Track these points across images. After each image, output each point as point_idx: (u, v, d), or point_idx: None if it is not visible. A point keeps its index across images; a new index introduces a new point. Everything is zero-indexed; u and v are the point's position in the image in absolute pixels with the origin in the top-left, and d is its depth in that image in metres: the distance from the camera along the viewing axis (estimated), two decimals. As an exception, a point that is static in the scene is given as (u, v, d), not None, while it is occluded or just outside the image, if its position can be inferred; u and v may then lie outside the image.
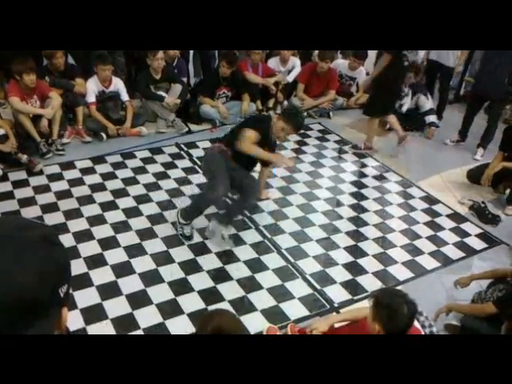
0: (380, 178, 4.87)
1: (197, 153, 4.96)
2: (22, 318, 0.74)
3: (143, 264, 3.42)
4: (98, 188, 4.25)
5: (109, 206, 4.02)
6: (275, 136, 3.59)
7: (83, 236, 3.63)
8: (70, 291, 0.85)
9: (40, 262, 0.76)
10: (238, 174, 3.59)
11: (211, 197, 3.52)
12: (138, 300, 3.12)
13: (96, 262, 3.40)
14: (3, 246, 0.75)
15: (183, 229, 3.67)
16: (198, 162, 4.71)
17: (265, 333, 2.92)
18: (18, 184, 4.20)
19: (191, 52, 6.28)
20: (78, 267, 3.28)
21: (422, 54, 6.27)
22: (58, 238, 0.84)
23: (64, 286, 0.81)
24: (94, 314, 2.98)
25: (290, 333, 2.92)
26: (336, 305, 3.25)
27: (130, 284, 3.24)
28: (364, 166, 5.09)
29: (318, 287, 3.38)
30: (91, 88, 4.99)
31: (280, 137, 3.59)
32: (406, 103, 5.81)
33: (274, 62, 6.11)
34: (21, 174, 4.32)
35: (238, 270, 3.45)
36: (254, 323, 3.02)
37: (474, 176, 4.80)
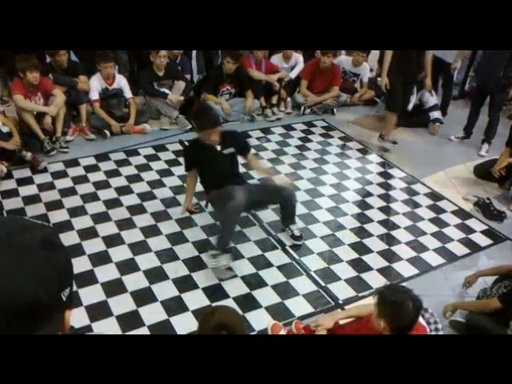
0: (384, 174, 4.86)
1: (200, 150, 4.96)
2: (23, 323, 0.72)
3: (148, 261, 3.43)
4: (102, 185, 4.26)
5: (113, 203, 4.03)
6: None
7: (87, 233, 3.64)
8: (75, 288, 0.84)
9: (40, 266, 0.74)
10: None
11: (233, 204, 3.25)
12: (143, 297, 3.13)
13: (100, 259, 3.41)
14: (1, 249, 0.73)
15: (219, 261, 3.30)
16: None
17: (269, 330, 2.92)
18: (23, 182, 4.21)
19: (194, 49, 6.26)
20: (82, 264, 3.30)
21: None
22: (59, 239, 0.82)
23: (66, 289, 0.79)
24: (98, 311, 2.99)
25: (295, 330, 2.92)
26: (341, 301, 3.25)
27: (135, 281, 3.25)
28: (368, 162, 5.07)
29: (323, 284, 3.38)
30: (94, 85, 4.99)
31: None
32: (412, 101, 5.78)
33: (276, 59, 6.09)
34: (25, 172, 4.33)
35: (243, 267, 3.45)
36: (259, 320, 3.02)
37: (481, 171, 4.78)
